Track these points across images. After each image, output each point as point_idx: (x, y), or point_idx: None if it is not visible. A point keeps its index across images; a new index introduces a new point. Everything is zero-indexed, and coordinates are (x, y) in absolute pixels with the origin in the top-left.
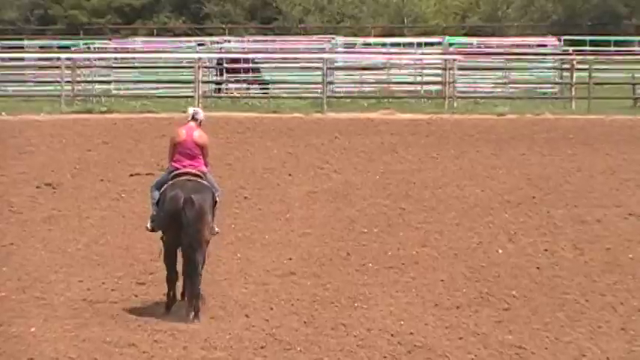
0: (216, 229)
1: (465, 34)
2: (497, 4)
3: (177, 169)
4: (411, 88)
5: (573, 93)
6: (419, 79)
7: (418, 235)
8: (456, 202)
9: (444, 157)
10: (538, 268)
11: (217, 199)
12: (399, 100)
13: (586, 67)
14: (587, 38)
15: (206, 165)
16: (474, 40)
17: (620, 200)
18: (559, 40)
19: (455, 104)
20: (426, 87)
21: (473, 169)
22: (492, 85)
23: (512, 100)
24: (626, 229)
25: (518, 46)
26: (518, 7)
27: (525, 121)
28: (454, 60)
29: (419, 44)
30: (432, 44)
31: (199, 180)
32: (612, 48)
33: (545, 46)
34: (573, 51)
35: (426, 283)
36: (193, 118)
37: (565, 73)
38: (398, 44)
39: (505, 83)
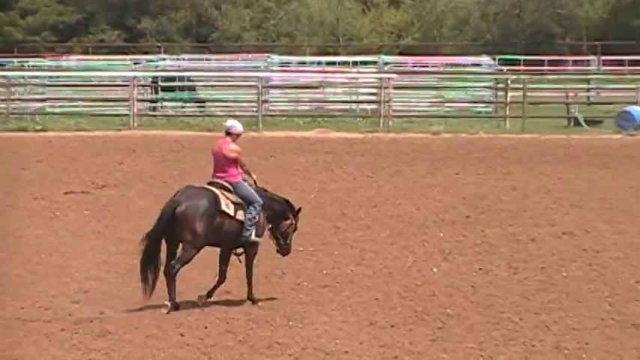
0: (253, 237)
1: (400, 53)
2: (431, 23)
3: (211, 179)
4: (347, 106)
5: (508, 112)
6: (354, 97)
7: (353, 253)
8: (391, 220)
9: (379, 176)
10: (473, 286)
11: (252, 212)
12: (334, 118)
13: (520, 86)
14: (522, 57)
15: (235, 176)
16: (409, 59)
17: (555, 219)
18: (493, 59)
19: (390, 123)
20: (361, 106)
21: (408, 188)
22: (427, 104)
23: (447, 119)
24: (561, 247)
25: (453, 65)
26: (453, 26)
27: (460, 140)
28: (389, 79)
29: (354, 63)
30: (367, 63)
31: (210, 188)
32: (546, 67)
33: (479, 65)
34: (507, 70)
35: (361, 301)
36: (227, 132)
37: (499, 92)
38: (333, 63)
39: (440, 102)
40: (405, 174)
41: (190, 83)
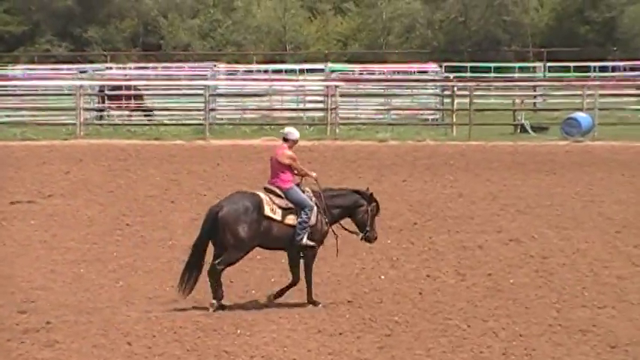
0: (305, 241)
1: (347, 61)
2: (378, 31)
3: (267, 184)
4: (294, 114)
5: (454, 119)
6: (301, 105)
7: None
8: (338, 229)
9: (325, 184)
10: (420, 293)
11: (303, 216)
12: (281, 126)
13: (467, 93)
14: (468, 65)
15: (286, 182)
16: (356, 66)
17: (501, 226)
18: (440, 66)
19: (337, 130)
20: (308, 113)
21: None
22: (374, 112)
23: (393, 127)
24: (507, 254)
25: (399, 72)
26: (399, 34)
27: (407, 148)
28: (336, 86)
29: (301, 71)
30: (313, 71)
31: (257, 193)
32: (492, 74)
33: (426, 72)
34: (454, 77)
35: (309, 309)
36: (285, 139)
37: (446, 100)
38: (280, 71)
39: (387, 110)
40: (353, 181)
41: (137, 92)
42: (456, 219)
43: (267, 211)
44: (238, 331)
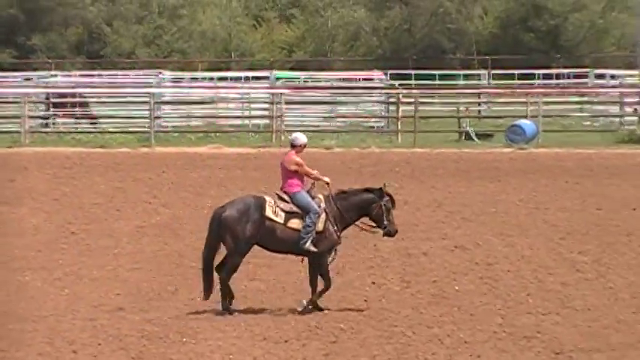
0: (308, 246)
1: (292, 69)
2: (323, 38)
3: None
4: (239, 122)
5: (399, 126)
6: (246, 113)
7: (246, 268)
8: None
9: (271, 191)
10: (366, 300)
11: (307, 221)
12: (226, 134)
13: (412, 100)
14: (413, 72)
15: (293, 186)
16: (301, 74)
17: (446, 233)
18: (385, 74)
19: (282, 138)
20: (253, 121)
21: None
22: (319, 119)
23: (339, 134)
24: (452, 261)
25: (344, 80)
26: (344, 41)
27: (352, 155)
28: (281, 94)
29: (246, 78)
30: (259, 78)
31: (261, 196)
32: (437, 82)
33: (371, 80)
34: (399, 85)
35: (255, 316)
36: (292, 145)
37: (391, 107)
38: (225, 78)
39: (332, 117)
40: None
41: (83, 100)
42: (401, 226)
43: (269, 213)
44: (184, 339)
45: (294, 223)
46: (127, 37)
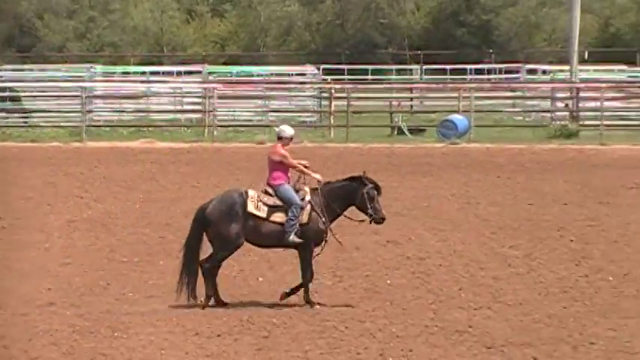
0: (292, 238)
1: (225, 63)
2: (255, 33)
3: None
4: (171, 116)
5: (332, 121)
6: (179, 107)
7: (178, 263)
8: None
9: (204, 186)
10: (298, 295)
11: (290, 214)
12: (159, 128)
13: (344, 95)
14: (345, 67)
15: (277, 179)
16: (234, 68)
17: (378, 228)
18: (317, 68)
19: (215, 132)
20: (185, 115)
21: None
22: (252, 114)
23: (271, 129)
24: (385, 255)
25: (277, 74)
26: (277, 36)
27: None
28: (214, 88)
29: (178, 73)
30: (191, 73)
31: (245, 191)
32: (370, 77)
33: (304, 74)
34: (332, 79)
35: (187, 311)
36: (278, 137)
37: (324, 102)
38: (157, 73)
39: (265, 112)
40: (230, 183)
41: (14, 94)
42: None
43: (251, 208)
44: (115, 334)
45: (278, 216)
46: (58, 30)
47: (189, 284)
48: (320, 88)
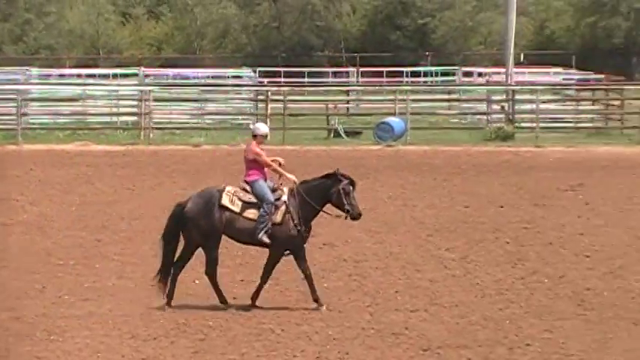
0: (261, 236)
1: (161, 66)
2: (191, 36)
3: None
4: (107, 119)
5: (268, 124)
6: (115, 110)
7: (115, 266)
8: (152, 233)
9: (140, 188)
10: (235, 298)
11: (261, 211)
12: (94, 131)
13: (281, 98)
14: (282, 69)
15: (251, 175)
16: (170, 71)
17: (315, 230)
18: (254, 71)
19: (151, 135)
20: (122, 118)
21: (169, 201)
22: (188, 116)
23: (207, 131)
24: (321, 258)
25: (213, 77)
26: (213, 38)
27: (221, 152)
28: (150, 91)
29: (114, 75)
30: (127, 75)
31: (221, 187)
32: (306, 79)
33: (240, 77)
34: (268, 82)
35: (123, 314)
36: (253, 135)
37: (260, 104)
38: (93, 75)
39: (201, 114)
40: (166, 186)
41: None
42: None
43: (225, 201)
44: (51, 337)
45: (251, 212)
46: None
47: (164, 282)
48: (256, 90)
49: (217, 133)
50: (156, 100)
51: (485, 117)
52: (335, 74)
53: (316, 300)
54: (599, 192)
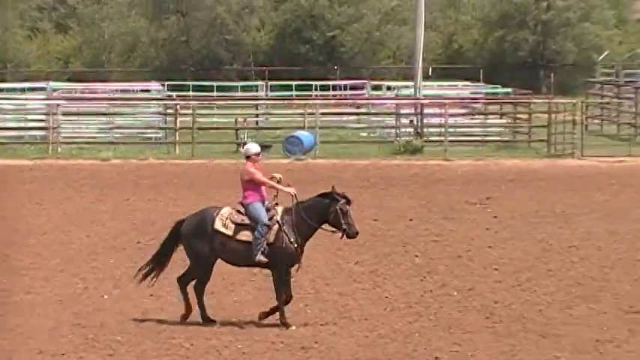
0: (258, 257)
1: (69, 80)
2: (100, 49)
3: None
4: (15, 133)
5: (177, 138)
6: (22, 124)
7: (23, 281)
8: (61, 247)
9: (48, 203)
10: (144, 313)
11: (255, 233)
12: (2, 146)
13: (189, 112)
14: (191, 83)
15: (246, 198)
16: (78, 85)
17: None
18: (163, 85)
19: (59, 149)
20: (29, 132)
21: (78, 215)
22: (97, 130)
23: (116, 145)
24: (230, 272)
25: (122, 91)
26: (121, 52)
27: (130, 166)
28: (58, 105)
29: (22, 89)
30: (35, 89)
31: (216, 208)
32: (215, 93)
33: (148, 91)
34: (177, 96)
35: (31, 329)
36: (246, 157)
37: (169, 118)
38: (1, 89)
39: (110, 128)
40: (75, 201)
41: None
42: None
43: (218, 226)
44: None
45: (244, 235)
46: None
47: (146, 273)
48: (165, 104)
49: (126, 147)
50: (64, 114)
51: (394, 131)
52: (244, 88)
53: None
54: (507, 205)
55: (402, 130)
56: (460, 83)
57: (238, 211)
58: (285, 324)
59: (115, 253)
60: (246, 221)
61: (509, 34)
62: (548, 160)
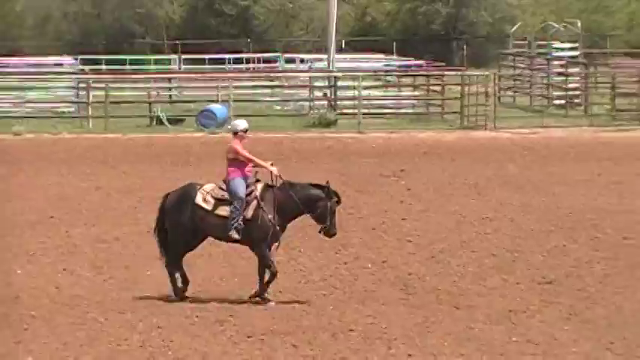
0: (232, 233)
1: None
2: (11, 23)
3: None
4: None
5: (90, 112)
6: None
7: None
8: None
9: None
10: (57, 287)
11: (233, 206)
12: None
13: (102, 86)
14: (103, 57)
15: (229, 173)
16: None
17: (138, 218)
18: (75, 59)
19: None
20: None
21: None
22: (9, 105)
23: (29, 120)
24: (145, 246)
25: (34, 65)
26: (34, 26)
27: (43, 141)
28: None
29: None
30: None
31: (199, 184)
32: (128, 67)
33: (61, 65)
34: (89, 70)
35: None
36: (234, 133)
37: (82, 92)
38: None
39: (22, 103)
40: None
41: None
42: (92, 212)
43: (199, 200)
44: None
45: (223, 210)
46: None
47: (171, 270)
48: (78, 78)
49: (38, 121)
50: None
51: (307, 104)
52: (157, 61)
53: (259, 295)
54: (421, 177)
55: (316, 103)
56: (373, 56)
57: (220, 187)
58: (263, 297)
59: (28, 228)
60: (226, 196)
61: (421, 6)
62: (461, 132)
